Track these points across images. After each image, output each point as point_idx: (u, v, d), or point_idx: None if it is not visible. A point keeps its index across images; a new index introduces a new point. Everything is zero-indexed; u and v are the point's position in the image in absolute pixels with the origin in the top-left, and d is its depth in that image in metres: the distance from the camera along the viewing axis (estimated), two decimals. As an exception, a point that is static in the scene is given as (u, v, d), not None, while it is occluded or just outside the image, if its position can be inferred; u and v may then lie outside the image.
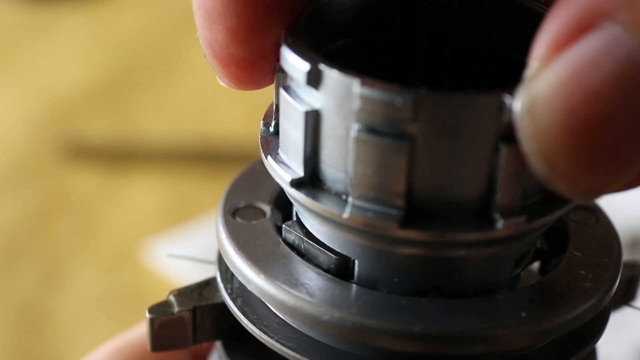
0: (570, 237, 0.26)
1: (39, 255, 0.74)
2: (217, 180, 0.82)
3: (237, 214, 0.26)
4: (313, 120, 0.23)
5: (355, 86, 0.22)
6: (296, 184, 0.23)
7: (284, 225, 0.26)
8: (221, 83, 0.25)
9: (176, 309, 0.27)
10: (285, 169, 0.24)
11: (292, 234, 0.25)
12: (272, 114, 0.25)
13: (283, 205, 0.27)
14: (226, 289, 0.26)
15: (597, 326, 0.26)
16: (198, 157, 0.84)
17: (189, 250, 0.74)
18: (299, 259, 0.25)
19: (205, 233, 0.75)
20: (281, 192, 0.27)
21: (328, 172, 0.23)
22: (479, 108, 0.21)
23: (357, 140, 0.22)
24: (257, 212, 0.26)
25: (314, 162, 0.23)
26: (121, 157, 0.85)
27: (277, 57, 0.24)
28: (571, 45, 0.19)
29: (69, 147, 0.85)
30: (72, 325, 0.68)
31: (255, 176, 0.28)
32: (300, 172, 0.23)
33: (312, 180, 0.23)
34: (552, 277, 0.25)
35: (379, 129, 0.22)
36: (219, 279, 0.27)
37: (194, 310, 0.27)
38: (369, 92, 0.21)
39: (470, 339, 0.23)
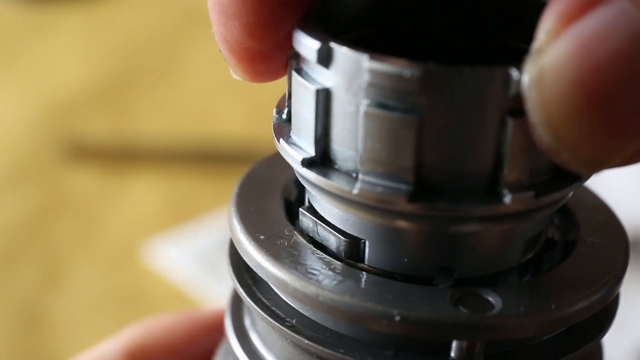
0: (579, 230, 0.26)
1: (39, 255, 0.74)
2: (217, 180, 0.82)
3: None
4: (324, 99, 0.23)
5: (364, 61, 0.22)
6: (307, 163, 0.24)
7: (300, 209, 0.26)
8: (235, 77, 0.25)
9: None
10: (297, 149, 0.24)
11: (307, 217, 0.26)
12: (285, 102, 0.25)
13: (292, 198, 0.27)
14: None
15: (604, 319, 0.26)
16: (198, 157, 0.84)
17: (189, 250, 0.74)
18: (311, 250, 0.25)
19: (205, 233, 0.75)
20: (290, 187, 0.28)
21: (339, 151, 0.23)
22: (487, 81, 0.21)
23: (367, 115, 0.22)
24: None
25: (325, 141, 0.24)
26: (121, 157, 0.85)
27: (291, 45, 0.24)
28: (580, 18, 0.20)
29: (69, 147, 0.85)
30: (72, 325, 0.68)
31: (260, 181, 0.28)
32: (311, 152, 0.24)
33: (323, 160, 0.24)
34: (560, 269, 0.25)
35: (387, 103, 0.22)
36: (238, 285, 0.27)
37: None
38: (377, 65, 0.22)
39: (474, 327, 0.23)
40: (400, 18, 0.26)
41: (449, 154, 0.22)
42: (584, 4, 0.20)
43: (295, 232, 0.26)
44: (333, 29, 0.25)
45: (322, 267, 0.24)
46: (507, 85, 0.21)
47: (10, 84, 0.98)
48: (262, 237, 0.25)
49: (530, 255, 0.26)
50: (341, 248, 0.25)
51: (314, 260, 0.25)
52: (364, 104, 0.22)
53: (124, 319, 0.69)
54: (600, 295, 0.24)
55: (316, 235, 0.26)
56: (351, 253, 0.25)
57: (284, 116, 0.25)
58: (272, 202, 0.27)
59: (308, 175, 0.24)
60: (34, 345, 0.66)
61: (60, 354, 0.65)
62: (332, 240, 0.25)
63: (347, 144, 0.23)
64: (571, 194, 0.24)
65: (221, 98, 0.93)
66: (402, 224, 0.24)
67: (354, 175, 0.23)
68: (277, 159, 0.26)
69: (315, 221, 0.25)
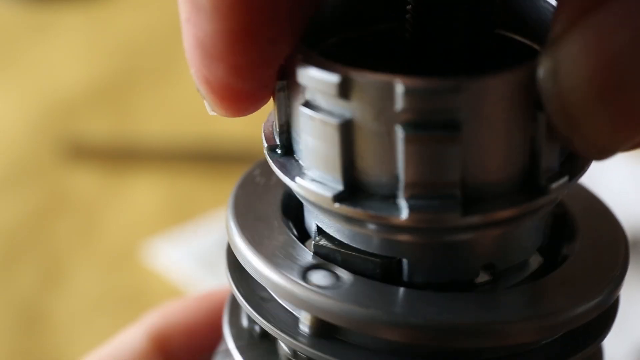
0: (578, 231, 0.26)
1: (39, 255, 0.74)
2: (217, 180, 0.82)
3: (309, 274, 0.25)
4: (347, 131, 0.22)
5: (397, 86, 0.21)
6: (339, 198, 0.23)
7: (313, 243, 0.25)
8: (212, 113, 0.24)
9: None
10: (321, 186, 0.23)
11: (324, 249, 0.25)
12: (274, 137, 0.24)
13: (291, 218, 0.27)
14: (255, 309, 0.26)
15: (603, 322, 0.26)
16: (198, 157, 0.84)
17: (189, 250, 0.74)
18: (310, 255, 0.25)
19: (205, 233, 0.75)
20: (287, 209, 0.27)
21: (369, 179, 0.23)
22: (517, 82, 0.22)
23: (406, 139, 0.22)
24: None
25: (351, 172, 0.23)
26: (121, 157, 0.85)
27: (275, 82, 0.23)
28: (595, 9, 0.20)
29: (69, 147, 0.85)
30: (72, 325, 0.68)
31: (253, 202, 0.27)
32: (339, 187, 0.23)
33: (352, 191, 0.23)
34: (559, 272, 0.25)
35: (425, 125, 0.22)
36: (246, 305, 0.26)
37: None
38: (412, 89, 0.21)
39: (475, 332, 0.23)
40: (393, 12, 0.26)
41: (491, 160, 0.22)
42: None
43: (292, 236, 0.26)
44: (321, 32, 0.24)
45: (322, 273, 0.24)
46: (533, 82, 0.21)
47: (10, 84, 0.98)
48: (260, 243, 0.25)
49: (547, 233, 0.26)
50: (377, 270, 0.24)
51: (312, 264, 0.25)
52: (399, 129, 0.22)
53: (124, 319, 0.69)
54: (600, 299, 0.24)
55: (337, 257, 0.25)
56: (385, 272, 0.24)
57: (279, 151, 0.24)
58: (271, 206, 0.27)
59: (342, 210, 0.23)
60: (34, 345, 0.66)
61: (60, 354, 0.65)
62: (364, 265, 0.24)
63: (380, 171, 0.23)
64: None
65: (221, 98, 0.92)
66: (451, 237, 0.23)
67: (392, 200, 0.23)
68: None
69: (338, 250, 0.25)
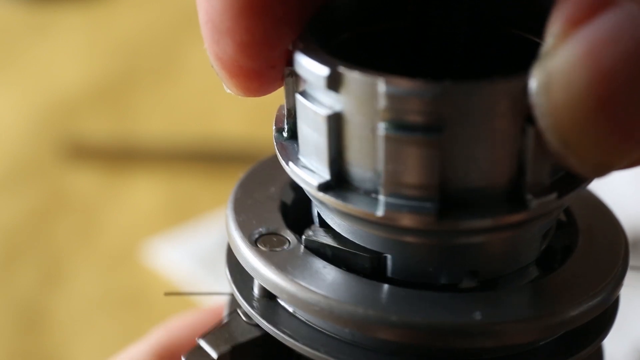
0: (578, 231, 0.26)
1: (39, 255, 0.74)
2: (217, 180, 0.82)
3: (259, 243, 0.26)
4: (336, 123, 0.23)
5: (380, 85, 0.21)
6: (324, 187, 0.23)
7: (304, 237, 0.25)
8: (228, 91, 0.25)
9: (215, 353, 0.26)
10: (310, 173, 0.24)
11: (315, 243, 0.25)
12: (283, 119, 0.25)
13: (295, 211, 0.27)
14: (252, 307, 0.26)
15: (604, 322, 0.26)
16: (198, 157, 0.84)
17: (189, 250, 0.74)
18: (323, 262, 0.25)
19: (205, 233, 0.75)
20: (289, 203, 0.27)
21: (355, 173, 0.23)
22: (506, 93, 0.21)
23: (386, 138, 0.22)
24: (281, 240, 0.26)
25: (340, 164, 0.23)
26: (121, 157, 0.85)
27: (286, 63, 0.24)
28: (588, 22, 0.20)
29: (69, 147, 0.85)
30: (72, 325, 0.68)
31: (253, 201, 0.27)
32: (325, 175, 0.23)
33: (338, 182, 0.23)
34: (560, 272, 0.25)
35: (407, 125, 0.22)
36: (242, 302, 0.26)
37: (232, 350, 0.26)
38: (394, 89, 0.21)
39: (476, 332, 0.23)
40: (400, 11, 0.26)
41: (473, 168, 0.22)
42: (592, 7, 0.20)
43: (293, 237, 0.26)
44: (329, 32, 0.24)
45: (321, 272, 0.24)
46: (524, 94, 0.21)
47: (10, 84, 0.97)
48: (259, 243, 0.25)
49: (546, 244, 0.26)
50: (366, 265, 0.24)
51: (312, 265, 0.25)
52: (381, 127, 0.22)
53: (124, 319, 0.69)
54: (600, 299, 0.24)
55: (327, 251, 0.25)
56: (373, 267, 0.24)
57: (285, 134, 0.25)
58: (270, 206, 0.27)
59: (325, 199, 0.23)
60: (34, 345, 0.66)
61: (60, 354, 0.65)
62: (351, 258, 0.25)
63: (364, 166, 0.23)
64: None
65: (221, 98, 0.92)
66: (428, 240, 0.23)
67: (374, 196, 0.23)
68: (275, 162, 0.26)
69: (328, 245, 0.25)
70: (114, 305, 0.70)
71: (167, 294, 0.64)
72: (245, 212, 0.27)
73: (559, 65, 0.20)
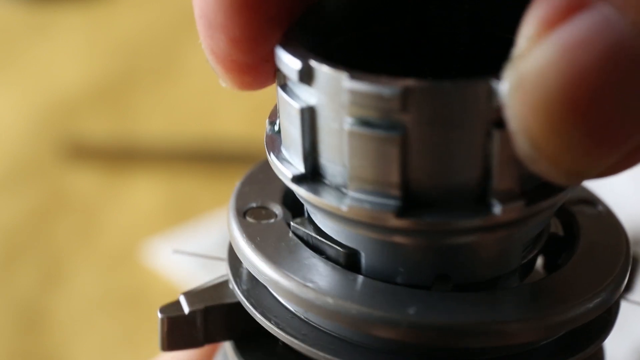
0: (578, 232, 0.26)
1: (39, 255, 0.74)
2: (217, 180, 0.82)
3: (248, 214, 0.27)
4: (309, 116, 0.23)
5: (344, 80, 0.22)
6: (297, 179, 0.24)
7: (292, 223, 0.26)
8: (224, 85, 0.25)
9: (187, 308, 0.27)
10: (287, 165, 0.24)
11: (300, 231, 0.26)
12: (276, 114, 0.25)
13: (292, 203, 0.27)
14: (238, 287, 0.26)
15: (605, 323, 0.26)
16: (198, 157, 0.84)
17: (190, 249, 0.74)
18: (308, 251, 0.25)
19: (205, 233, 0.75)
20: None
21: (327, 167, 0.23)
22: (469, 95, 0.21)
23: (350, 133, 0.22)
24: (269, 213, 0.27)
25: (314, 157, 0.24)
26: (121, 157, 0.85)
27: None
28: (561, 24, 0.19)
29: (69, 147, 0.85)
30: (72, 325, 0.68)
31: (264, 176, 0.28)
32: (301, 168, 0.24)
33: (313, 175, 0.24)
34: (561, 272, 0.25)
35: (370, 121, 0.22)
36: (230, 277, 0.27)
37: (205, 310, 0.27)
38: (357, 85, 0.22)
39: (471, 331, 0.23)
40: (398, 12, 0.26)
41: (436, 169, 0.22)
42: (566, 9, 0.19)
43: (282, 212, 0.26)
44: (324, 33, 0.25)
45: (322, 272, 0.24)
46: (490, 98, 0.21)
47: (10, 84, 0.97)
48: (261, 241, 0.25)
49: (532, 255, 0.26)
50: (340, 259, 0.25)
51: (313, 264, 0.25)
52: (347, 122, 0.22)
53: (124, 319, 0.69)
54: (601, 299, 0.24)
55: (310, 241, 0.25)
56: (349, 264, 0.25)
57: (276, 127, 0.25)
58: (271, 205, 0.27)
59: (298, 191, 0.24)
60: (34, 345, 0.66)
61: (60, 354, 0.65)
62: (330, 251, 0.25)
63: (335, 160, 0.23)
64: (568, 195, 0.24)
65: (221, 98, 0.93)
66: (394, 237, 0.23)
67: (344, 190, 0.23)
68: None
69: (310, 235, 0.25)
70: (114, 305, 0.70)
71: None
72: (249, 185, 0.27)
73: (531, 68, 0.20)
